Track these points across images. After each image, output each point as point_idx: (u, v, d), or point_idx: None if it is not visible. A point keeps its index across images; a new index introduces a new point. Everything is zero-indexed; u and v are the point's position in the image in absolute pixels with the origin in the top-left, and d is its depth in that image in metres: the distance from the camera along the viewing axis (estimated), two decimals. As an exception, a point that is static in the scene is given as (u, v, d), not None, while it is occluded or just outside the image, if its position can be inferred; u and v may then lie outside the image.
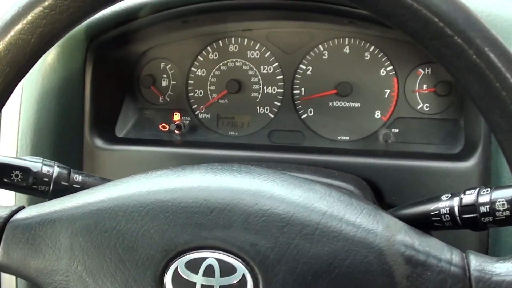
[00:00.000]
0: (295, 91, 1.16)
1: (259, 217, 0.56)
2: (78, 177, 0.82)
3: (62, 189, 0.77)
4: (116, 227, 0.60)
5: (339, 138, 1.14)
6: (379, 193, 1.00)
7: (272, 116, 1.17)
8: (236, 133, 1.19)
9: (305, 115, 1.16)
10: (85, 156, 1.16)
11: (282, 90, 1.16)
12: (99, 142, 1.16)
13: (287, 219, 0.56)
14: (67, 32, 0.65)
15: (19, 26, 0.62)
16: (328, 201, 0.59)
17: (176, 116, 1.23)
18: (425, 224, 0.65)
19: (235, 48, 1.18)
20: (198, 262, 0.57)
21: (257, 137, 1.18)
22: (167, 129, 1.22)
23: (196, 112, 1.22)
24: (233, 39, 1.18)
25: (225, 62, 1.19)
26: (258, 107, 1.18)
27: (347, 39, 1.13)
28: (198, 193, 0.59)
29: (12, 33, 0.63)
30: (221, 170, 0.63)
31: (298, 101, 1.16)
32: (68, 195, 0.67)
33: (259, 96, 1.18)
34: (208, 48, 1.20)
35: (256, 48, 1.17)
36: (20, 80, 0.66)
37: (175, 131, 1.20)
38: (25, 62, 0.65)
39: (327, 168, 1.02)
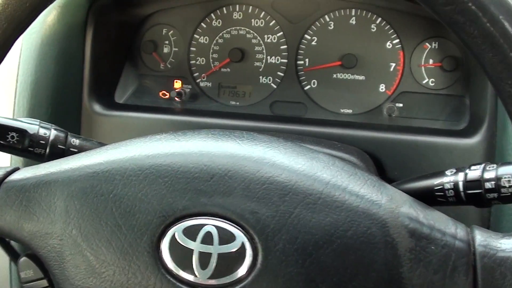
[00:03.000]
0: (299, 62, 1.14)
1: (260, 184, 0.55)
2: (76, 141, 0.80)
3: (59, 152, 0.75)
4: (113, 191, 0.59)
5: (342, 111, 1.13)
6: (381, 167, 0.99)
7: (275, 86, 1.16)
8: (238, 103, 1.18)
9: (308, 86, 1.14)
10: (83, 121, 1.14)
11: (285, 60, 1.15)
12: (97, 107, 1.14)
13: (289, 187, 0.55)
14: None
15: None
16: (331, 171, 0.57)
17: (177, 84, 1.21)
18: (428, 199, 0.63)
19: (239, 16, 1.16)
20: (196, 228, 0.55)
21: (259, 108, 1.16)
22: (167, 96, 1.21)
23: (197, 80, 1.20)
24: (237, 6, 1.16)
25: (229, 30, 1.17)
26: (260, 77, 1.16)
27: (353, 10, 1.11)
28: (198, 158, 0.57)
29: None
30: (222, 136, 0.61)
31: (302, 72, 1.14)
32: (65, 158, 0.66)
33: (262, 65, 1.16)
34: (212, 15, 1.18)
35: (261, 16, 1.15)
36: (19, 37, 0.64)
37: (176, 98, 1.18)
38: (24, 17, 0.63)
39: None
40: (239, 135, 0.61)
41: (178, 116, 1.11)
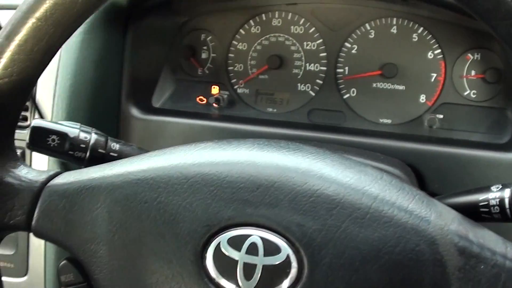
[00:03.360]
0: (338, 70, 1.13)
1: (307, 197, 0.54)
2: (116, 145, 0.80)
3: (99, 156, 0.75)
4: (157, 199, 0.58)
5: (381, 121, 1.11)
6: (422, 180, 0.97)
7: (313, 94, 1.15)
8: (275, 110, 1.17)
9: (348, 95, 1.13)
10: (121, 125, 1.15)
11: (325, 68, 1.14)
12: (135, 112, 1.14)
13: (337, 201, 0.54)
14: None
15: None
16: (379, 185, 0.56)
17: (214, 90, 1.20)
18: (472, 215, 0.62)
19: (279, 23, 1.15)
20: (241, 239, 0.55)
21: (296, 115, 1.15)
22: (204, 102, 1.20)
23: (235, 87, 1.20)
24: (276, 13, 1.15)
25: (268, 36, 1.17)
26: (299, 84, 1.16)
27: (395, 19, 1.10)
28: (244, 168, 0.57)
29: None
30: (268, 146, 0.60)
31: (341, 80, 1.13)
32: (107, 163, 0.65)
33: (301, 73, 1.15)
34: (251, 21, 1.17)
35: (301, 23, 1.14)
36: (64, 42, 0.64)
37: (214, 104, 1.18)
38: (71, 23, 0.63)
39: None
40: (285, 145, 0.60)
41: (215, 122, 1.11)
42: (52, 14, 0.61)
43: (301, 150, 0.60)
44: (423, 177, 0.97)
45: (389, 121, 1.11)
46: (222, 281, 0.55)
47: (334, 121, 1.13)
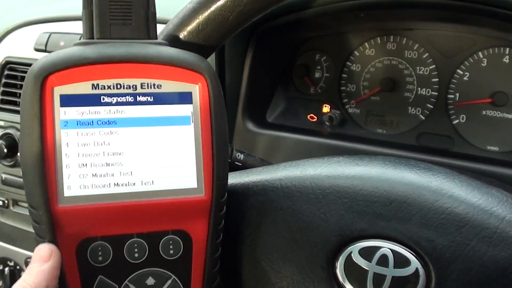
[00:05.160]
0: (449, 96, 1.14)
1: (438, 214, 0.57)
2: (240, 156, 0.85)
3: None
4: (292, 206, 0.62)
5: (488, 148, 1.12)
6: None
7: (423, 118, 1.17)
8: (385, 131, 1.19)
9: (457, 120, 1.14)
10: (236, 138, 1.20)
11: (436, 93, 1.15)
12: (250, 125, 1.19)
13: (466, 219, 0.57)
14: (261, 14, 0.68)
15: (221, 2, 0.65)
16: (506, 207, 0.58)
17: (326, 108, 1.24)
18: None
19: (393, 47, 1.18)
20: (372, 250, 0.58)
21: (405, 138, 1.17)
22: (315, 120, 1.24)
23: (346, 106, 1.23)
24: (392, 37, 1.18)
25: (381, 59, 1.19)
26: (409, 108, 1.18)
27: (508, 49, 1.10)
28: (378, 183, 0.60)
29: (213, 8, 0.66)
30: (399, 164, 0.64)
31: (451, 106, 1.14)
32: (243, 171, 0.70)
33: (412, 96, 1.17)
34: (366, 44, 1.20)
35: (415, 48, 1.16)
36: (207, 58, 0.69)
37: (326, 122, 1.21)
38: (219, 39, 0.68)
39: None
40: (415, 165, 0.64)
41: (327, 140, 1.14)
42: (204, 28, 0.66)
43: (431, 169, 0.63)
44: None
45: (496, 148, 1.11)
46: None
47: (443, 145, 1.14)
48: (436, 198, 0.58)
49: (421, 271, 0.57)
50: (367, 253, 0.58)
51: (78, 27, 1.27)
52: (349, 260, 0.59)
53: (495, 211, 0.57)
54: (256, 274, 0.64)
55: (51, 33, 1.29)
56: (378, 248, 0.58)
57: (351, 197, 0.60)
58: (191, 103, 0.58)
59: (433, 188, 0.59)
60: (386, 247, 0.58)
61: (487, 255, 0.56)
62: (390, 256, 0.58)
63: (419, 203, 0.58)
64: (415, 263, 0.57)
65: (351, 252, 0.59)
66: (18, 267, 1.44)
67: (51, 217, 0.53)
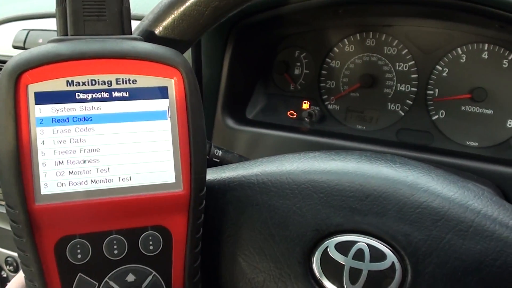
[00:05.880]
0: (428, 91, 1.15)
1: (414, 208, 0.57)
2: (219, 152, 0.85)
3: None
4: (268, 202, 0.62)
5: (467, 143, 1.12)
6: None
7: (403, 114, 1.17)
8: (364, 127, 1.20)
9: (436, 116, 1.14)
10: (215, 134, 1.20)
11: (415, 89, 1.16)
12: (230, 122, 1.19)
13: (442, 213, 0.57)
14: (237, 10, 0.67)
15: None
16: (482, 201, 0.59)
17: (305, 105, 1.24)
18: None
19: (372, 43, 1.18)
20: (348, 244, 0.58)
21: (385, 133, 1.17)
22: (294, 116, 1.24)
23: (326, 103, 1.23)
24: (371, 33, 1.18)
25: (361, 55, 1.20)
26: (389, 104, 1.18)
27: (486, 45, 1.11)
28: (354, 177, 0.60)
29: (188, 3, 0.65)
30: (376, 158, 0.64)
31: (431, 102, 1.15)
32: (220, 167, 0.70)
33: (392, 92, 1.18)
34: (345, 40, 1.21)
35: (394, 44, 1.17)
36: (183, 53, 0.69)
37: (306, 119, 1.21)
38: (194, 35, 0.68)
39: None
40: (391, 159, 0.64)
41: (306, 136, 1.14)
42: (180, 23, 0.66)
43: (407, 164, 0.63)
44: (509, 199, 0.98)
45: (475, 143, 1.12)
46: (328, 284, 0.59)
47: (422, 141, 1.15)
48: (412, 192, 0.58)
49: (397, 265, 0.57)
50: (343, 248, 0.58)
51: (56, 24, 1.26)
52: (325, 255, 0.59)
53: (471, 205, 0.57)
54: (233, 270, 0.64)
55: (29, 30, 1.28)
56: (354, 242, 0.58)
57: (327, 192, 0.60)
58: (167, 97, 0.57)
59: (409, 183, 0.59)
60: (362, 241, 0.58)
61: (462, 248, 0.56)
62: (366, 250, 0.57)
63: (395, 198, 0.58)
64: (391, 257, 0.57)
65: (327, 247, 0.59)
66: (-3, 266, 1.43)
67: (28, 216, 0.53)
